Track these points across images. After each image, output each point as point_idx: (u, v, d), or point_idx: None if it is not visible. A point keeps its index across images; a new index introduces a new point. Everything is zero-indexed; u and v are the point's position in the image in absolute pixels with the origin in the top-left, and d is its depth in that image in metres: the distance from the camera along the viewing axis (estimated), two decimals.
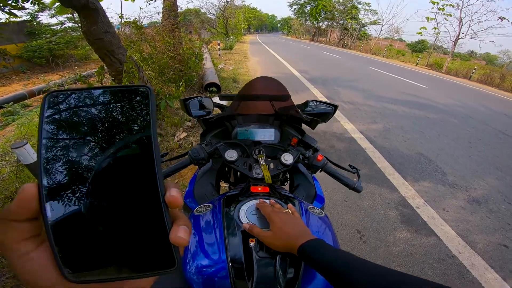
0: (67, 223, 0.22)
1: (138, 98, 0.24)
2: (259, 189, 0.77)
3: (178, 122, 3.47)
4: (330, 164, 0.88)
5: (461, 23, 17.34)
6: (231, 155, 0.81)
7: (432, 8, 18.77)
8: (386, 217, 2.28)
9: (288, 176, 1.16)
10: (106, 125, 0.23)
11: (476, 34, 17.90)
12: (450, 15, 17.84)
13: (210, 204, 0.73)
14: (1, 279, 1.49)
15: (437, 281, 1.71)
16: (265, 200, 0.70)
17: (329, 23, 37.35)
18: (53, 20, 10.68)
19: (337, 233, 2.07)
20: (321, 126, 3.96)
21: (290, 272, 0.57)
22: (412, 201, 2.52)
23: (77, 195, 0.22)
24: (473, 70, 14.38)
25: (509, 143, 4.42)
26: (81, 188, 0.22)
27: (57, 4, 2.48)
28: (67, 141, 0.23)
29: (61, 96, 0.23)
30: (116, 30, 3.04)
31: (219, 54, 11.72)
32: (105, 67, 3.05)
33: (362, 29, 32.07)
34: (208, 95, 4.95)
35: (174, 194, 0.24)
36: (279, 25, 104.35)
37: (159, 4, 5.70)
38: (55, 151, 0.22)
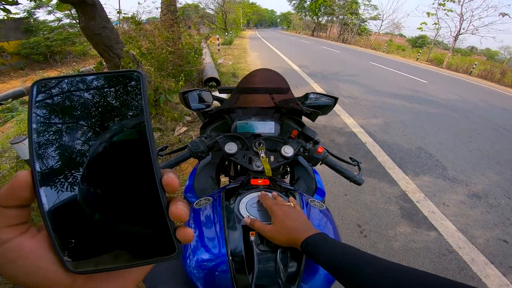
0: (63, 210, 0.21)
1: (129, 83, 0.24)
2: (259, 181, 0.76)
3: (178, 116, 3.46)
4: (330, 156, 0.87)
5: (462, 19, 17.24)
6: (231, 148, 0.80)
7: (433, 3, 18.70)
8: (386, 212, 2.28)
9: (288, 169, 1.15)
10: (98, 111, 0.23)
11: (477, 29, 17.84)
12: (451, 11, 17.72)
13: (210, 198, 0.73)
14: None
15: None
16: (267, 193, 0.69)
17: (329, 18, 37.03)
18: (50, 17, 10.63)
19: (338, 228, 2.07)
20: (321, 121, 3.96)
21: (291, 266, 0.56)
22: (413, 195, 2.52)
23: (71, 182, 0.22)
24: (474, 66, 14.31)
25: (509, 138, 4.41)
26: (75, 175, 0.22)
27: (54, 0, 2.45)
28: (57, 128, 0.22)
29: (50, 83, 0.23)
30: (114, 25, 3.01)
31: (219, 49, 11.64)
32: (104, 63, 3.03)
33: (362, 24, 31.86)
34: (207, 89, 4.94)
35: (171, 175, 0.23)
36: (278, 20, 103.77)
37: None
38: (45, 138, 0.22)
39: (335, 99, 1.02)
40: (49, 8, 9.63)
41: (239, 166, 1.15)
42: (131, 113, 0.23)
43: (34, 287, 0.21)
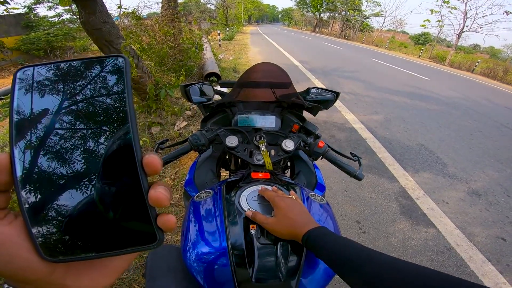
0: (40, 197, 0.21)
1: (113, 67, 0.23)
2: (260, 175, 0.76)
3: (178, 111, 3.46)
4: (331, 151, 0.87)
5: (465, 16, 17.10)
6: (232, 141, 0.80)
7: (437, 0, 18.49)
8: (385, 208, 2.29)
9: (289, 163, 1.15)
10: (80, 95, 0.22)
11: (480, 27, 17.68)
12: (455, 8, 17.58)
13: (210, 191, 0.73)
14: None
15: None
16: (267, 187, 0.69)
17: (331, 14, 36.76)
18: (51, 13, 10.55)
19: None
20: (322, 116, 3.95)
21: (292, 260, 0.56)
22: (412, 192, 2.52)
23: (49, 166, 0.21)
24: (476, 63, 14.24)
25: (511, 136, 4.39)
26: (53, 158, 0.21)
27: None
28: (38, 114, 0.22)
29: (33, 70, 0.23)
30: (115, 21, 2.99)
31: (220, 45, 11.58)
32: None
33: (365, 20, 31.60)
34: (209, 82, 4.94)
35: (152, 155, 0.22)
36: (280, 16, 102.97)
37: None
38: (25, 123, 0.21)
39: (337, 94, 1.02)
40: (49, 4, 9.57)
41: (239, 160, 1.15)
42: (113, 97, 0.23)
43: (10, 276, 0.20)
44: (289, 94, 0.94)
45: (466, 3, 16.87)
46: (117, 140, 0.22)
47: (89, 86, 0.23)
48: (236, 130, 0.89)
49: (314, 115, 1.04)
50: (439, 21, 18.93)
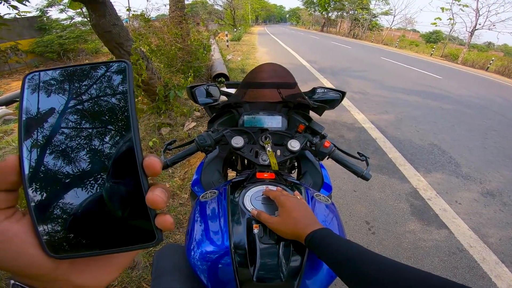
0: (46, 196, 0.22)
1: (116, 73, 0.25)
2: (265, 175, 0.76)
3: (187, 112, 3.50)
4: (338, 151, 0.86)
5: (478, 14, 16.66)
6: (238, 141, 0.80)
7: None
8: (396, 209, 2.24)
9: (295, 163, 1.15)
10: (84, 98, 0.24)
11: (494, 25, 17.19)
12: (467, 6, 17.18)
13: (215, 191, 0.73)
14: None
15: (446, 275, 1.68)
16: (271, 187, 0.69)
17: (339, 13, 36.40)
18: (63, 15, 10.85)
19: (346, 224, 2.06)
20: (331, 116, 3.91)
21: (294, 260, 0.56)
22: (424, 192, 2.47)
23: (57, 167, 0.22)
24: (491, 61, 13.83)
25: None
26: (60, 160, 0.22)
27: None
28: (45, 117, 0.23)
29: (41, 76, 0.24)
30: (124, 23, 3.04)
31: (227, 45, 11.64)
32: None
33: (374, 19, 31.17)
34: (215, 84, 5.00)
35: (152, 158, 0.23)
36: (287, 15, 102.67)
37: None
38: (34, 126, 0.23)
39: (343, 94, 1.01)
40: (61, 7, 9.83)
41: (246, 160, 1.15)
42: (117, 99, 0.24)
43: (17, 271, 0.21)
44: (295, 94, 0.93)
45: (478, 0, 16.43)
46: (119, 143, 0.23)
47: (93, 90, 0.24)
48: (242, 130, 0.89)
49: (320, 115, 1.03)
50: (450, 19, 18.52)
